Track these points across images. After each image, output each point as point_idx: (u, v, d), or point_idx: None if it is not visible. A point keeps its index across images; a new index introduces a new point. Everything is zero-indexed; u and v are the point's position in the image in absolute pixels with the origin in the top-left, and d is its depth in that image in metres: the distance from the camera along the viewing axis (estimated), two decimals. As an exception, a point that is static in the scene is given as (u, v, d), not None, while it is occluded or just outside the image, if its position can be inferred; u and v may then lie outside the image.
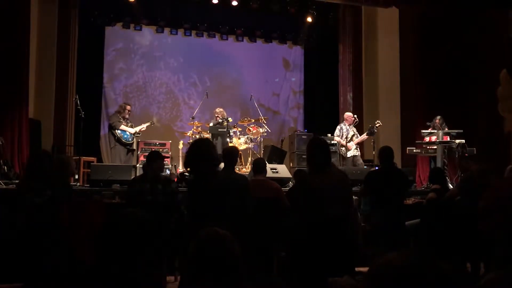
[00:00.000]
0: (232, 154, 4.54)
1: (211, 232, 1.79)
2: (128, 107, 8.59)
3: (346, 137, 8.68)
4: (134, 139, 8.51)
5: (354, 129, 8.83)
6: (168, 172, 8.04)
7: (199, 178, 3.48)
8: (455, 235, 4.73)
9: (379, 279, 1.22)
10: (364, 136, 8.75)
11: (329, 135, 8.94)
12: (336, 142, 8.70)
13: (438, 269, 1.20)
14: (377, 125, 8.56)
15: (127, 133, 8.34)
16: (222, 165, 4.22)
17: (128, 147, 8.38)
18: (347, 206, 3.75)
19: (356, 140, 8.74)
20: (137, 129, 8.51)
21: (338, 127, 8.89)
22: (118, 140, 8.27)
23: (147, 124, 8.76)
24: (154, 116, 10.89)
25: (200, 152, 3.48)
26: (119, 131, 8.27)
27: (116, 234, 1.85)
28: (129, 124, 8.46)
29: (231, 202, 3.48)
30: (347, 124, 8.81)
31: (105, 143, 10.24)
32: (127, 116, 8.52)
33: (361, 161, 8.71)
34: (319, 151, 3.76)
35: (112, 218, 1.88)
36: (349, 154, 8.56)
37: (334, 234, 3.56)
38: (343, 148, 8.62)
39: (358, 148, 8.81)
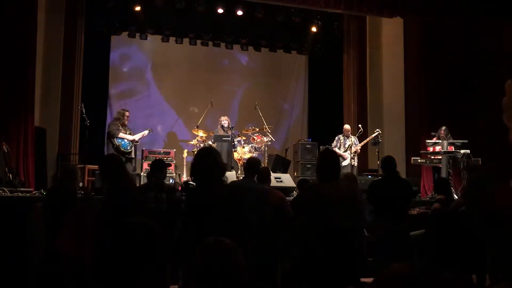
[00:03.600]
0: (254, 164, 4.71)
1: (216, 241, 1.79)
2: (127, 113, 8.40)
3: (344, 147, 8.98)
4: (133, 147, 8.31)
5: (353, 139, 8.97)
6: (172, 181, 8.04)
7: (207, 188, 3.40)
8: (460, 246, 4.70)
9: (384, 290, 1.22)
10: (364, 141, 9.10)
11: (333, 145, 9.04)
12: None
13: (443, 280, 1.19)
14: (376, 133, 8.88)
15: (125, 141, 8.13)
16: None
17: (126, 155, 8.12)
18: (354, 217, 3.75)
19: (354, 148, 8.94)
20: (136, 137, 8.33)
21: (336, 138, 9.19)
22: (117, 149, 8.01)
23: (147, 131, 8.59)
24: (159, 124, 10.92)
25: (209, 161, 3.43)
26: (118, 140, 8.05)
27: (121, 242, 1.85)
28: (127, 132, 8.30)
29: (247, 212, 3.47)
30: (344, 135, 9.14)
31: (110, 151, 10.26)
32: (126, 122, 8.33)
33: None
34: (328, 161, 3.84)
35: (117, 226, 1.88)
36: (345, 163, 8.72)
37: (339, 244, 3.55)
38: (340, 158, 8.79)
39: (355, 158, 8.94)
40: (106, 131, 8.24)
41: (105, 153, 9.78)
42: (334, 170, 3.87)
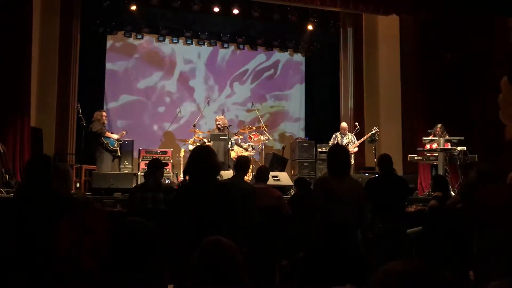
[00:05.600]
0: (245, 163, 4.68)
1: (214, 240, 1.79)
2: (104, 114, 8.72)
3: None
4: (119, 145, 8.60)
5: (351, 137, 9.02)
6: (168, 181, 8.03)
7: (201, 186, 3.39)
8: (457, 243, 4.71)
9: (382, 287, 1.22)
10: (361, 140, 9.14)
11: (330, 143, 9.06)
12: None
13: (440, 277, 1.20)
14: (373, 131, 8.96)
15: (112, 139, 8.45)
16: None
17: (114, 153, 8.48)
18: (359, 213, 3.76)
19: (351, 146, 8.97)
20: (118, 136, 8.65)
21: (333, 135, 9.21)
22: (106, 147, 8.34)
23: (123, 132, 8.85)
24: (155, 123, 10.91)
25: (204, 159, 3.41)
26: (105, 138, 8.36)
27: (119, 242, 1.85)
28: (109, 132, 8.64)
29: (232, 211, 3.45)
30: (341, 133, 9.15)
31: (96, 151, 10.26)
32: (105, 122, 8.64)
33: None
34: (340, 157, 3.84)
35: (115, 226, 1.88)
36: None
37: (345, 240, 3.56)
38: None
39: (352, 156, 8.97)
40: (92, 131, 8.36)
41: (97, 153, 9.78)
42: (346, 166, 3.87)
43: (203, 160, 3.35)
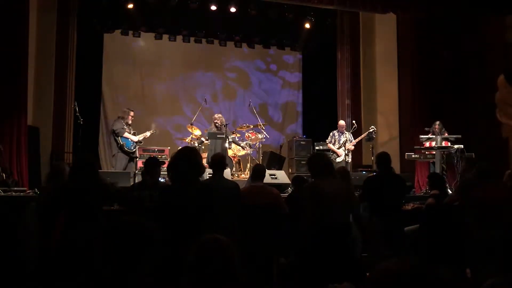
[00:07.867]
0: (220, 160, 4.64)
1: (211, 238, 1.79)
2: (132, 113, 8.48)
3: (339, 143, 8.98)
4: (137, 147, 8.41)
5: (348, 136, 9.00)
6: (163, 180, 7.99)
7: (183, 186, 3.38)
8: (454, 241, 4.72)
9: (379, 286, 1.22)
10: (358, 138, 9.15)
11: (327, 141, 9.07)
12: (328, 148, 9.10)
13: (438, 275, 1.19)
14: (371, 130, 8.99)
15: (130, 141, 8.24)
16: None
17: (130, 154, 8.29)
18: (349, 213, 3.78)
19: (349, 144, 8.96)
20: (140, 137, 8.42)
21: (331, 133, 9.19)
22: (121, 147, 8.16)
23: (150, 132, 8.67)
24: (153, 122, 10.89)
25: (188, 159, 3.41)
26: (122, 139, 8.16)
27: (115, 241, 1.85)
28: (131, 132, 8.37)
29: (219, 210, 3.45)
30: (339, 131, 9.13)
31: (104, 149, 10.24)
32: (130, 122, 8.42)
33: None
34: (319, 161, 3.93)
35: (111, 225, 1.87)
36: (339, 159, 8.74)
37: (336, 240, 3.58)
38: (334, 154, 8.84)
39: (349, 155, 8.96)
40: (111, 128, 8.34)
41: (102, 151, 9.74)
42: (327, 168, 3.92)
43: (186, 160, 3.36)
